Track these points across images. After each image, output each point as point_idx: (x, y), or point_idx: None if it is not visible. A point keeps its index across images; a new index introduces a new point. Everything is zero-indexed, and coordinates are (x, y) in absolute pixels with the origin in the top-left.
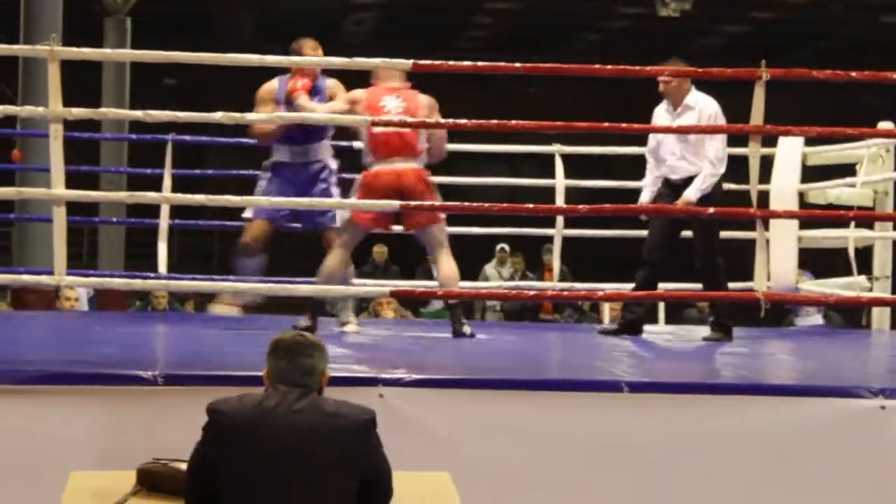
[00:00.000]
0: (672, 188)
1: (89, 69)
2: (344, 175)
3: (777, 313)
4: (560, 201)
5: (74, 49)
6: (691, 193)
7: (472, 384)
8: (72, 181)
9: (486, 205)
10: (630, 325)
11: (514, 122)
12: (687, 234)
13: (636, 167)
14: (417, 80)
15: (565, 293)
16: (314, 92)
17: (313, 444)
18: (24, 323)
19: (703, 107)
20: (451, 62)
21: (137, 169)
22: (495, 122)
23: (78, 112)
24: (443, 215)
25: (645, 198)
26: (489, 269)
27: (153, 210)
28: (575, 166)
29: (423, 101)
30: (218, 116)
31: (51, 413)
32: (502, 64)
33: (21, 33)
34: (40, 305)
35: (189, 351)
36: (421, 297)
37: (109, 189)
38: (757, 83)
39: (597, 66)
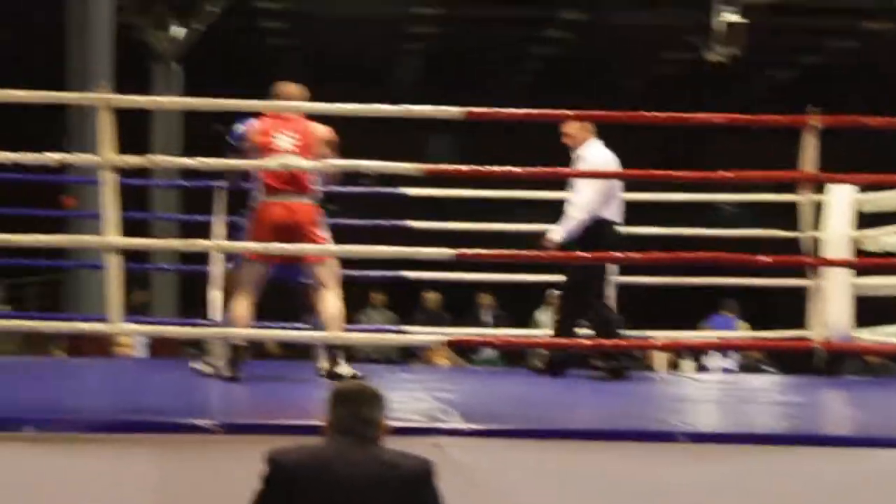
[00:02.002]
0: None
1: (139, 112)
2: None
3: None
4: None
5: (127, 97)
6: (554, 233)
7: (528, 434)
8: (123, 227)
9: (543, 252)
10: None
11: (566, 170)
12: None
13: (692, 214)
14: (468, 124)
15: (623, 342)
16: None
17: (371, 494)
18: (79, 370)
19: (590, 159)
20: (504, 110)
21: (189, 216)
22: (550, 170)
23: (131, 160)
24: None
25: None
26: (539, 314)
27: (206, 256)
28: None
29: (320, 133)
30: (273, 165)
31: (108, 462)
32: (552, 111)
33: (70, 78)
34: (95, 352)
35: (245, 399)
36: (477, 345)
37: (161, 235)
38: (807, 130)
39: (645, 113)
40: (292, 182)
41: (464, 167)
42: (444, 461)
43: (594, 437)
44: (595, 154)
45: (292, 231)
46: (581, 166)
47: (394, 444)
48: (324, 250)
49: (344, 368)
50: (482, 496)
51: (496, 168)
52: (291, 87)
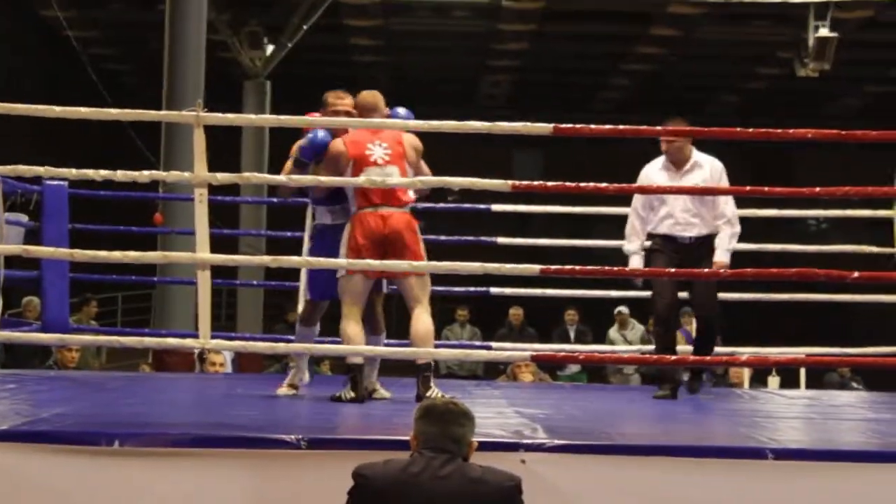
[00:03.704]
0: (679, 248)
1: (228, 131)
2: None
3: None
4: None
5: (220, 115)
6: (724, 256)
7: (614, 450)
8: (211, 244)
9: (628, 269)
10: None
11: (657, 186)
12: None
13: (779, 229)
14: (554, 140)
15: (707, 358)
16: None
17: None
18: (166, 385)
19: (712, 164)
20: (591, 126)
21: (278, 232)
22: (637, 185)
23: (223, 177)
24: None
25: (636, 264)
26: (612, 333)
27: (293, 272)
28: None
29: (408, 141)
30: (361, 181)
31: (193, 477)
32: (643, 128)
33: (164, 97)
34: (181, 367)
35: (331, 414)
36: (562, 361)
37: (248, 251)
38: None
39: (737, 129)
40: (385, 195)
41: (550, 183)
42: (529, 477)
43: (680, 454)
44: (714, 160)
45: (390, 241)
46: (704, 173)
47: (480, 459)
48: (409, 266)
49: (435, 393)
50: None
51: (584, 184)
52: (368, 95)
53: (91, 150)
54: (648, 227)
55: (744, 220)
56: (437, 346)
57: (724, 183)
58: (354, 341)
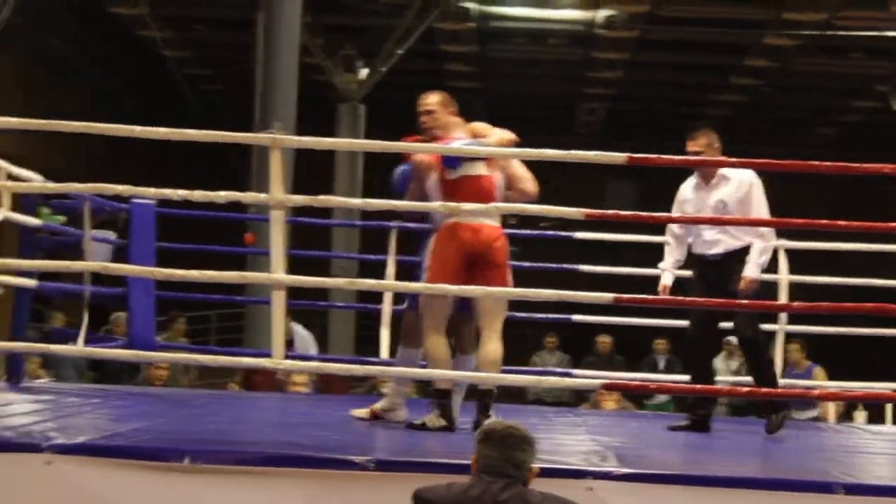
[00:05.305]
0: (709, 265)
1: (325, 153)
2: None
3: None
4: (784, 297)
5: (295, 137)
6: (752, 271)
7: (682, 480)
8: (304, 265)
9: (688, 299)
10: (701, 422)
11: (724, 217)
12: None
13: (863, 263)
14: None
15: (779, 391)
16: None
17: None
18: (248, 404)
19: (740, 176)
20: (666, 156)
21: (367, 255)
22: (728, 217)
23: (296, 199)
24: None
25: (667, 281)
26: (718, 363)
27: (381, 295)
28: (800, 261)
29: (496, 137)
30: (436, 206)
31: (259, 495)
32: (722, 159)
33: (256, 117)
34: (268, 387)
35: (403, 436)
36: (636, 390)
37: (340, 274)
38: None
39: (837, 163)
40: (479, 198)
41: (623, 213)
42: None
43: (747, 486)
44: (743, 171)
45: (479, 255)
46: (732, 186)
47: (548, 485)
48: (482, 291)
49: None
50: None
51: (656, 214)
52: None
53: (188, 170)
54: (693, 248)
55: (829, 253)
56: (523, 373)
57: (755, 195)
58: (440, 363)
